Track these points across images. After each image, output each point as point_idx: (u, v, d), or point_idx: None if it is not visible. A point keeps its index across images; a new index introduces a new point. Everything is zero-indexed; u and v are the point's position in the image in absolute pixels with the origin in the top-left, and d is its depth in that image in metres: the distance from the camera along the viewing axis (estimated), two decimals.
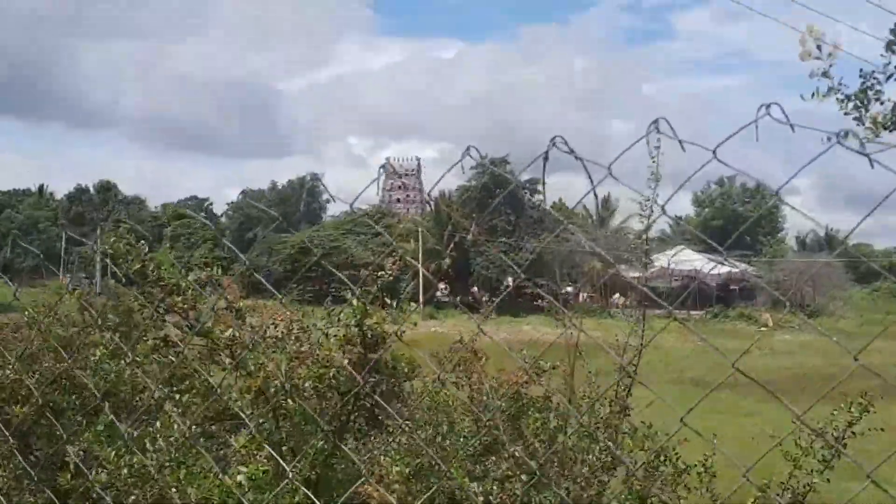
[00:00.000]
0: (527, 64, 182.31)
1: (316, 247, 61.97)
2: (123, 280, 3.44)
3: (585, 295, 64.67)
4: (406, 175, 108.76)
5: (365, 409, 3.39)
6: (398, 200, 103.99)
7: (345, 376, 3.27)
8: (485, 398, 4.10)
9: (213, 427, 3.53)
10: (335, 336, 3.33)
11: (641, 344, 4.87)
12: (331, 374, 3.30)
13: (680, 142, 1.61)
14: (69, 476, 3.51)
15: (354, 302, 3.34)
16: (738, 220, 74.69)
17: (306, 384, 3.24)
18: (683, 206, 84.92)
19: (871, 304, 62.08)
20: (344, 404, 3.36)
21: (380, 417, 3.38)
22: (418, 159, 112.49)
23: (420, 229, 59.99)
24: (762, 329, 42.29)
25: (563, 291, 62.51)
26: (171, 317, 3.68)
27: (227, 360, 3.32)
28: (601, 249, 55.30)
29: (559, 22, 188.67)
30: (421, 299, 56.54)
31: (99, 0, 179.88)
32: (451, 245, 55.03)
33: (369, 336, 3.31)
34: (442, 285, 65.58)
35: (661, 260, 57.06)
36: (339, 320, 3.34)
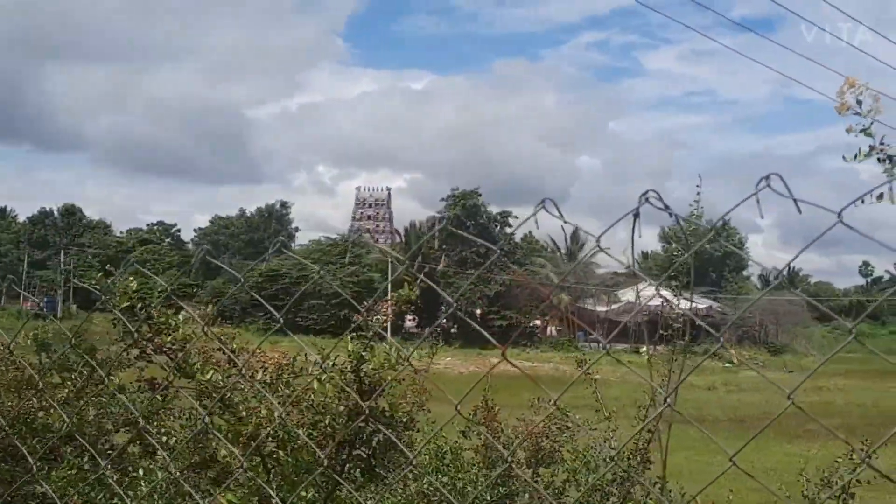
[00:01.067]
0: (498, 97, 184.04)
1: (283, 276, 61.40)
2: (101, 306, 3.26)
3: (553, 328, 64.81)
4: (376, 204, 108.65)
5: (361, 460, 3.25)
6: (368, 230, 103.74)
7: (341, 424, 3.13)
8: (501, 448, 3.97)
9: (198, 475, 3.36)
10: (330, 382, 3.19)
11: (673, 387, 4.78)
12: (326, 422, 3.16)
13: (795, 201, 1.52)
14: None
15: (350, 346, 3.22)
16: (704, 256, 75.41)
17: (300, 432, 3.09)
18: (649, 242, 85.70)
19: (832, 343, 63.05)
20: (338, 454, 3.21)
21: (376, 468, 3.24)
22: (388, 189, 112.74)
23: (390, 259, 59.78)
24: (727, 365, 42.66)
25: (531, 325, 62.57)
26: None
27: (218, 405, 3.16)
28: (569, 283, 55.52)
29: (530, 57, 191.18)
30: (390, 334, 56.15)
31: (71, 22, 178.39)
32: (421, 275, 54.84)
33: (366, 383, 3.19)
34: (410, 317, 65.24)
35: (628, 294, 57.38)
36: (333, 364, 3.21)
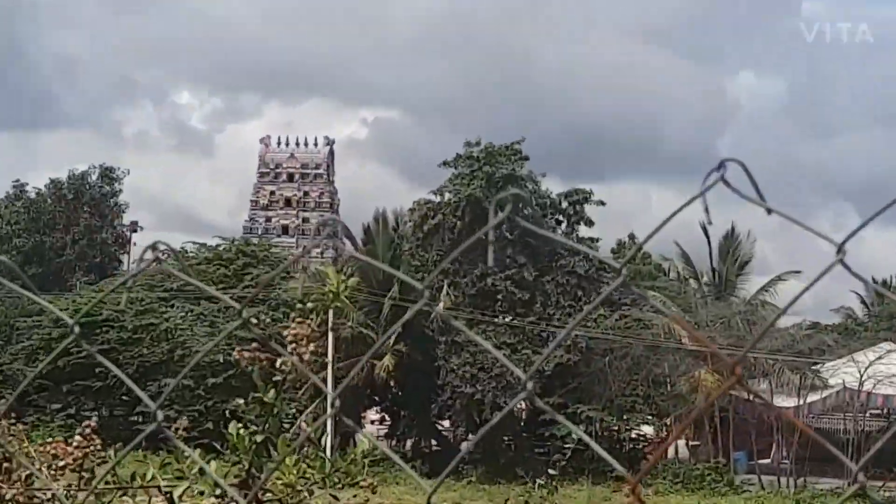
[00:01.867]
0: None
1: (111, 322, 61.40)
2: None
3: (689, 443, 64.71)
4: (303, 174, 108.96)
5: None
6: (285, 228, 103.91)
7: None
8: None
9: None
10: None
11: None
12: None
13: None
14: None
15: (233, 429, 3.70)
16: None
17: None
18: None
19: None
20: None
21: None
22: (329, 143, 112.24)
23: (330, 287, 59.87)
24: None
25: (634, 436, 62.59)
26: None
27: None
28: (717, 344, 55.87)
29: None
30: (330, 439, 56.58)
31: None
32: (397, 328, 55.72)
33: None
34: (374, 414, 65.18)
35: (841, 372, 57.31)
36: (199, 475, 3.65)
